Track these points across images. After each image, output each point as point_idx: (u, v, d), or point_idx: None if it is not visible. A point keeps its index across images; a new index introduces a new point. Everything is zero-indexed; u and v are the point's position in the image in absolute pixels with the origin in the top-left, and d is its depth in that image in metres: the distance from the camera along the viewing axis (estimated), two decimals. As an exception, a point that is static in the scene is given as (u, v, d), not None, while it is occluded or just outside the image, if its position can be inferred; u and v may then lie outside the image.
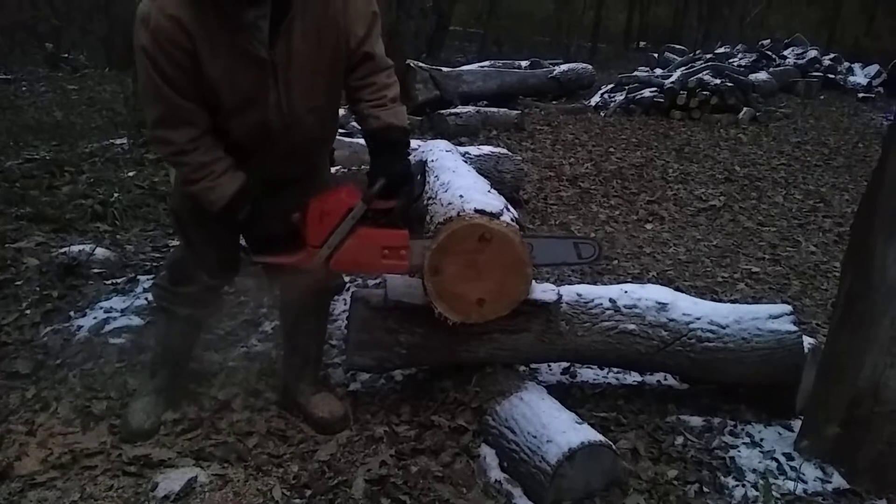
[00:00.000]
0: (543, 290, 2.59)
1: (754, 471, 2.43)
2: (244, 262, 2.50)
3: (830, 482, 2.37)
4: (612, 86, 11.49)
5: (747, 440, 2.60)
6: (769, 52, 15.01)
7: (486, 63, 12.20)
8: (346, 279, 3.65)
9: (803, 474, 2.39)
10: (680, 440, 2.57)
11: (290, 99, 2.08)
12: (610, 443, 2.24)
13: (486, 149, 5.40)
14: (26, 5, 14.79)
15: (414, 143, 4.63)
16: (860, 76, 15.56)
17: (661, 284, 3.17)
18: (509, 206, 2.54)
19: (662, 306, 2.67)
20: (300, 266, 2.24)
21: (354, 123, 7.02)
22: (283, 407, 2.61)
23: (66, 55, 13.18)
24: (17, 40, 13.96)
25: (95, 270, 3.68)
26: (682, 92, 9.89)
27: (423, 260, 2.32)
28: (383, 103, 2.19)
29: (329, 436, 2.47)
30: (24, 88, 10.07)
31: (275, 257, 2.26)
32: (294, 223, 2.20)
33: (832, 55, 16.51)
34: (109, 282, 3.61)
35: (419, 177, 2.25)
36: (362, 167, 4.24)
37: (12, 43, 13.67)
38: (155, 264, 3.81)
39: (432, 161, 3.59)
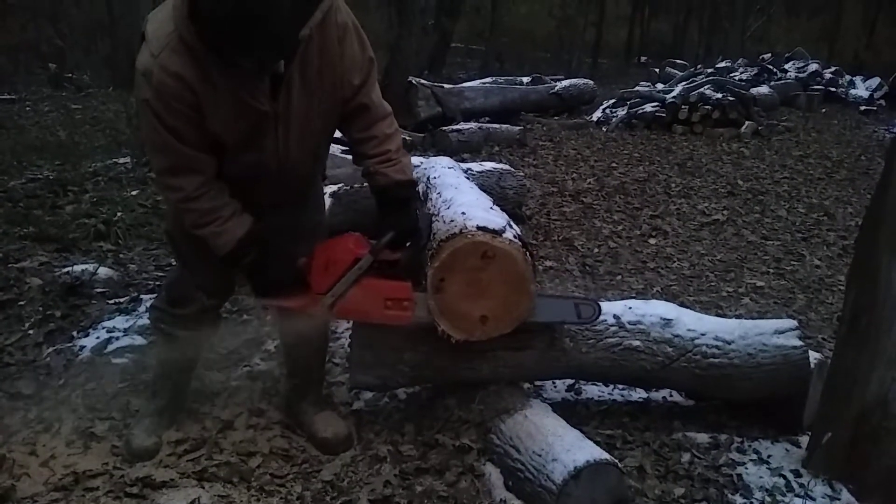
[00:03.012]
0: (547, 307, 2.57)
1: (762, 488, 2.41)
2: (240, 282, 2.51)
3: (839, 499, 2.35)
4: (613, 101, 11.52)
5: (755, 457, 2.58)
6: (770, 66, 15.06)
7: (488, 79, 12.28)
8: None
9: (812, 491, 2.37)
10: (686, 457, 2.55)
11: (287, 145, 2.09)
12: (615, 461, 2.22)
13: (489, 165, 5.41)
14: (30, 26, 14.90)
15: (416, 159, 4.65)
16: (861, 89, 15.62)
17: (666, 300, 3.16)
18: (512, 223, 2.53)
19: (667, 322, 2.66)
20: (303, 311, 2.27)
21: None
22: (286, 426, 2.59)
23: (70, 75, 13.25)
24: (20, 60, 14.05)
25: (98, 290, 3.67)
26: (683, 106, 9.91)
27: (428, 313, 2.35)
28: (388, 158, 2.19)
29: (333, 455, 2.46)
30: (27, 108, 10.11)
31: (279, 300, 2.29)
32: (300, 268, 2.22)
33: (833, 68, 16.57)
34: (112, 301, 3.60)
35: (427, 228, 2.28)
36: (364, 184, 4.24)
37: (16, 63, 13.75)
38: (158, 283, 3.80)
39: (434, 178, 3.60)
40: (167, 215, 2.57)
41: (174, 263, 2.80)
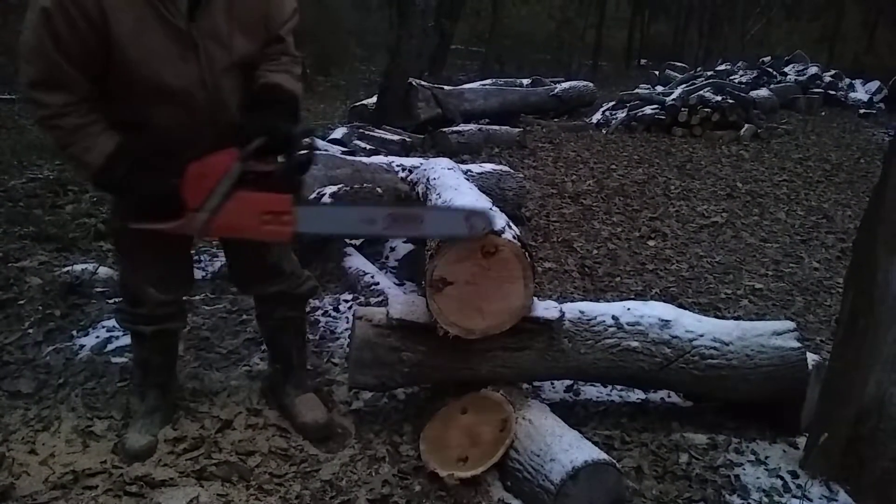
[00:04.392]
0: (546, 307, 2.58)
1: (759, 489, 2.42)
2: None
3: (836, 500, 2.35)
4: (613, 103, 11.52)
5: (752, 458, 2.59)
6: (770, 69, 15.06)
7: (488, 81, 12.25)
8: (348, 297, 3.64)
9: (809, 492, 2.38)
10: (684, 458, 2.56)
11: (214, 78, 2.07)
12: (614, 461, 2.23)
13: (489, 166, 5.40)
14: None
15: (416, 160, 4.66)
16: (861, 92, 15.63)
17: (664, 301, 3.16)
18: (511, 224, 2.54)
19: (665, 323, 2.66)
20: (180, 232, 2.14)
21: (357, 142, 7.05)
22: (276, 410, 2.63)
23: (71, 75, 13.25)
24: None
25: (98, 289, 3.67)
26: (683, 109, 9.92)
27: (309, 229, 2.24)
28: (279, 69, 2.21)
29: (331, 454, 2.47)
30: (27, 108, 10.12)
31: (152, 223, 2.13)
32: (172, 185, 2.08)
33: (833, 71, 16.58)
34: (112, 300, 3.59)
35: (306, 137, 2.14)
36: (364, 185, 4.25)
37: (15, 63, 13.75)
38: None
39: (434, 179, 3.60)
40: (112, 214, 2.45)
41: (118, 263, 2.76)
